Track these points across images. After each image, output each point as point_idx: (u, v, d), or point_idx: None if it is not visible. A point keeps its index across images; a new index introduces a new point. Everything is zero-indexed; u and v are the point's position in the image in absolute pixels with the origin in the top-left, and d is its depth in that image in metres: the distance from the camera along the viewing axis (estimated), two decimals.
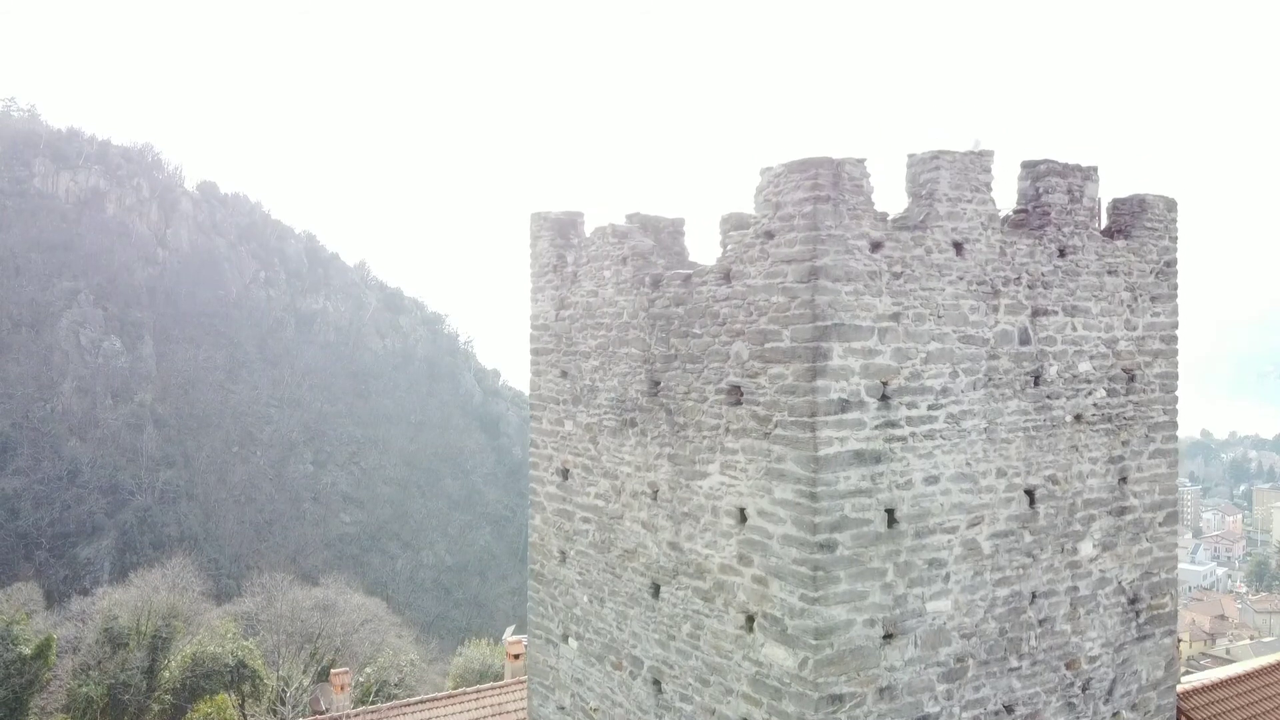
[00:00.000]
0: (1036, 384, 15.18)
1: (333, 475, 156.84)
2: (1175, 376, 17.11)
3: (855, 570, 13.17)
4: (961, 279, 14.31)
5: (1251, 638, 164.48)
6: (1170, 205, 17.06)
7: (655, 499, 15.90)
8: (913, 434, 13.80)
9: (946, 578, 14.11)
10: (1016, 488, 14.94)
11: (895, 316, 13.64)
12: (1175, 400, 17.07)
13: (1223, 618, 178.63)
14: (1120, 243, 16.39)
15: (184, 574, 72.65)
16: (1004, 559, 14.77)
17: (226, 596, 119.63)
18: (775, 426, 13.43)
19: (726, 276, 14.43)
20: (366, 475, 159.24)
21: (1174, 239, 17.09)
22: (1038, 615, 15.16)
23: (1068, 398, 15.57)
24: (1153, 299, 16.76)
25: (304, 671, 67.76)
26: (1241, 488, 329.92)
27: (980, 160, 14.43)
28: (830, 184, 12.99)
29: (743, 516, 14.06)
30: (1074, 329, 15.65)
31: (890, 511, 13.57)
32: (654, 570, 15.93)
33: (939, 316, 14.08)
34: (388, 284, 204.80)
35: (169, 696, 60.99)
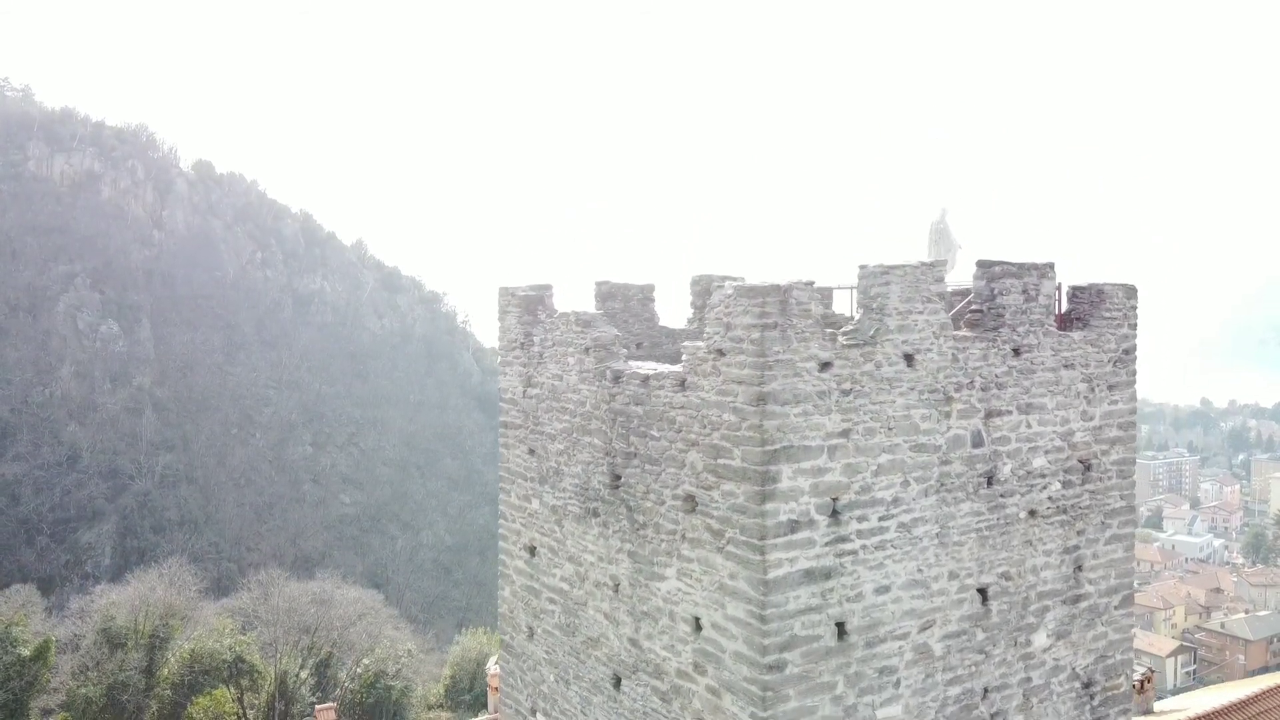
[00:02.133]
0: (990, 484, 15.40)
1: (332, 457, 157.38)
2: (1132, 461, 17.30)
3: (805, 687, 13.45)
4: (913, 389, 14.49)
5: (1246, 611, 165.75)
6: (1130, 293, 17.20)
7: (617, 593, 16.17)
8: (864, 546, 14.04)
9: (897, 684, 14.39)
10: (969, 588, 15.20)
11: (845, 433, 13.83)
12: (1132, 485, 17.27)
13: (1218, 590, 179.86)
14: (1078, 334, 16.55)
15: (181, 572, 73.19)
16: (956, 659, 15.05)
17: (227, 579, 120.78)
18: (728, 543, 13.66)
19: (683, 385, 14.59)
20: (366, 456, 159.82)
21: (1133, 326, 17.24)
22: (990, 710, 15.47)
23: (1022, 494, 15.79)
24: (1110, 387, 16.94)
25: (301, 665, 68.56)
26: (1240, 457, 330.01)
27: (932, 271, 14.56)
28: (778, 310, 13.13)
29: (698, 625, 14.32)
30: (1028, 426, 15.84)
31: (841, 625, 13.83)
32: (615, 662, 16.23)
33: (890, 428, 14.27)
34: (385, 263, 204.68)
35: (168, 693, 61.72)
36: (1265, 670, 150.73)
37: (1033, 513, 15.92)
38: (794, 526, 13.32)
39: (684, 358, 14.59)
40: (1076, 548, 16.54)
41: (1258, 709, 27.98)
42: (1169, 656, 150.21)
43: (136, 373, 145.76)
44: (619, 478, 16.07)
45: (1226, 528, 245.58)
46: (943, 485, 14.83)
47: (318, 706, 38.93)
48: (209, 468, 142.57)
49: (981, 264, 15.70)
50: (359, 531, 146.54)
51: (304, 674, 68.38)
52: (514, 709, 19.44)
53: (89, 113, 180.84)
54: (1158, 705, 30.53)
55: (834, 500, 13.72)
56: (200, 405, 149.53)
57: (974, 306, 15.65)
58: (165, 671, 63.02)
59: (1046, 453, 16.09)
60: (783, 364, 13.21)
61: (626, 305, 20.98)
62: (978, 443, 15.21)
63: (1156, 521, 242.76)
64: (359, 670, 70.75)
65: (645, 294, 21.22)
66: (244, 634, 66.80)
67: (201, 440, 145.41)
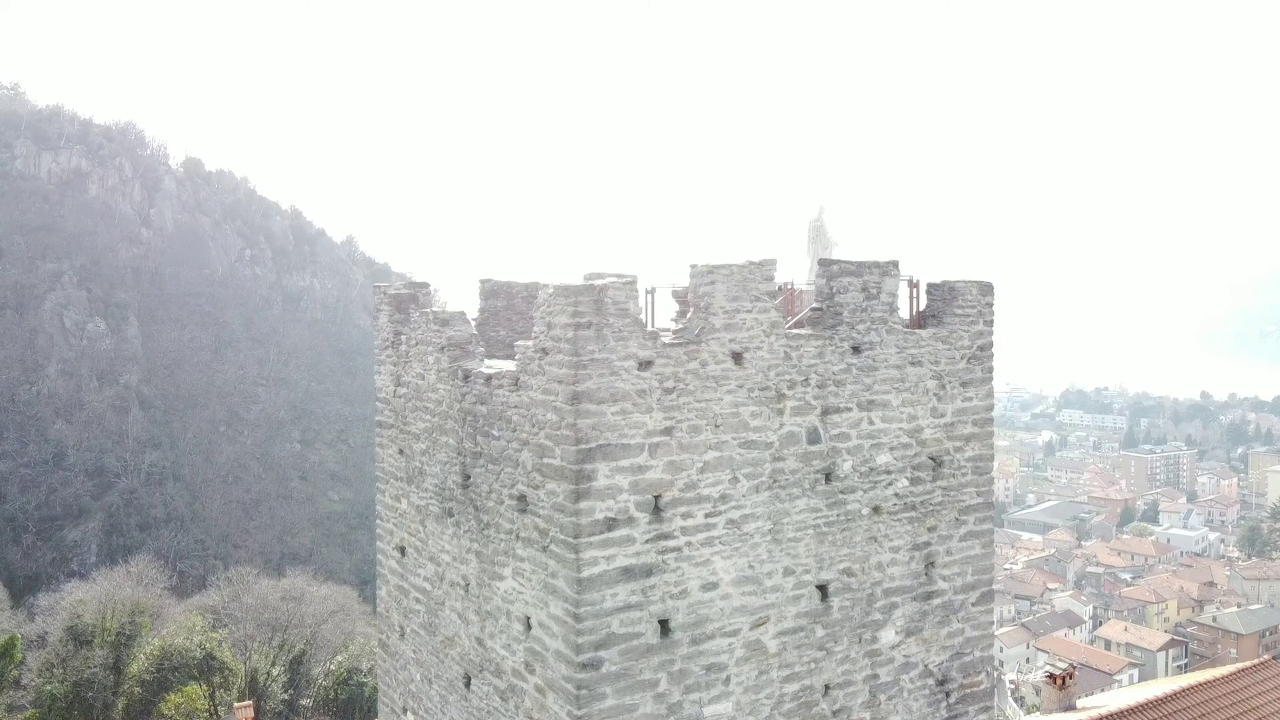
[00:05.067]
0: (828, 481, 15.44)
1: (320, 454, 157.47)
2: (989, 458, 17.34)
3: (623, 685, 13.50)
4: (741, 387, 14.52)
5: (1239, 605, 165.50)
6: (985, 290, 17.21)
7: (467, 592, 16.25)
8: (689, 543, 14.08)
9: (727, 680, 14.44)
10: (807, 584, 15.24)
11: (668, 431, 13.87)
12: (989, 482, 17.31)
13: (1211, 584, 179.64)
14: (927, 331, 16.57)
15: (148, 570, 73.38)
16: (793, 655, 15.09)
17: (214, 577, 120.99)
18: (551, 542, 13.73)
19: (516, 384, 14.65)
20: (354, 453, 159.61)
21: (989, 322, 17.26)
22: (832, 706, 15.51)
23: (865, 490, 15.83)
24: (964, 384, 16.96)
25: (273, 662, 68.68)
26: (1239, 450, 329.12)
27: (760, 270, 14.59)
28: (592, 310, 13.18)
29: (529, 625, 14.40)
30: (870, 423, 15.87)
31: (664, 622, 13.88)
32: (466, 662, 16.31)
33: (716, 426, 14.31)
34: (375, 259, 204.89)
35: (138, 689, 61.91)
36: None
37: (877, 509, 15.95)
38: (611, 524, 13.37)
39: (517, 356, 14.65)
40: (928, 544, 16.57)
41: (1174, 706, 27.99)
42: (1160, 650, 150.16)
43: (124, 370, 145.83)
44: (469, 477, 16.14)
45: (1223, 521, 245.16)
46: (775, 482, 14.87)
47: (236, 705, 38.91)
48: (196, 465, 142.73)
49: (822, 263, 15.73)
50: (347, 528, 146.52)
51: (276, 671, 68.48)
52: (389, 708, 19.54)
53: (77, 110, 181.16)
54: (1081, 702, 30.57)
55: (656, 497, 13.77)
56: (188, 403, 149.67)
57: (814, 306, 15.69)
58: (135, 668, 63.16)
59: (892, 449, 16.12)
60: (598, 363, 13.26)
61: (510, 303, 21.03)
62: (814, 439, 15.25)
63: (1153, 515, 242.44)
64: (332, 667, 70.93)
65: (530, 292, 21.24)
66: (215, 631, 66.94)
67: (189, 438, 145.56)
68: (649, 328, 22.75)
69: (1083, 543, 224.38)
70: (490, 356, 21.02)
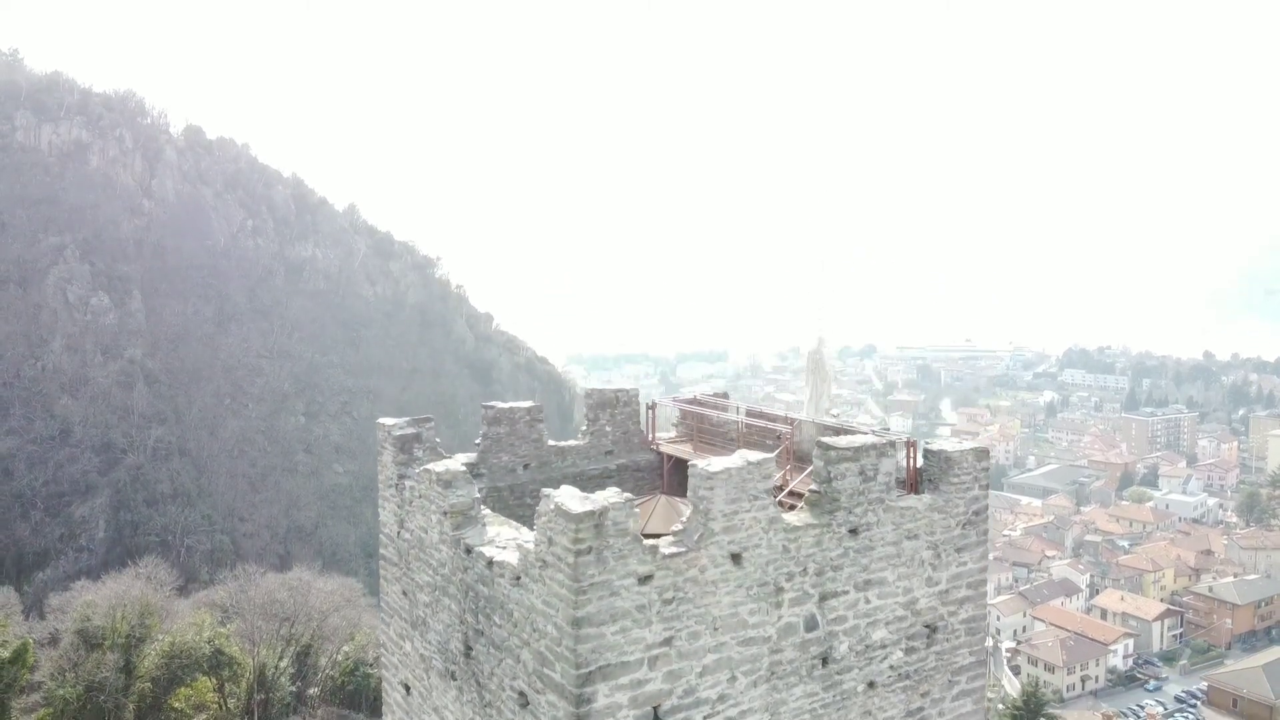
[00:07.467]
0: (825, 664, 15.73)
1: (325, 426, 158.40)
2: (983, 617, 17.62)
3: None
4: (740, 586, 14.76)
5: (1235, 575, 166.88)
6: (980, 455, 17.38)
7: None
8: None
9: None
10: None
11: (667, 641, 14.12)
12: (982, 640, 17.60)
13: (1209, 553, 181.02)
14: (923, 503, 16.76)
15: (157, 570, 74.26)
16: None
17: (221, 552, 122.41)
18: None
19: (519, 580, 14.86)
20: (359, 425, 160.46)
21: (984, 487, 17.44)
22: None
23: (860, 668, 16.13)
24: (958, 550, 17.19)
25: (280, 655, 69.75)
26: (1240, 412, 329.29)
27: (759, 469, 14.75)
28: (593, 535, 13.36)
29: None
30: (867, 602, 16.13)
31: None
32: None
33: (715, 629, 14.56)
34: (378, 228, 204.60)
35: (148, 686, 63.01)
36: (1252, 634, 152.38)
37: (872, 684, 16.27)
38: None
39: (517, 556, 14.86)
40: (921, 709, 16.92)
41: None
42: (1156, 620, 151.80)
43: (128, 345, 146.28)
44: (471, 649, 16.43)
45: (1222, 485, 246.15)
46: (774, 674, 15.17)
47: None
48: (201, 440, 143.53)
49: (821, 444, 15.89)
50: (352, 501, 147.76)
51: (283, 663, 69.53)
52: None
53: (77, 78, 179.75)
54: None
55: (655, 708, 14.06)
56: (192, 377, 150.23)
57: (813, 488, 15.88)
58: (145, 665, 64.18)
59: (888, 624, 16.40)
60: (598, 586, 13.47)
61: (513, 428, 21.24)
62: (811, 626, 15.52)
63: (1152, 479, 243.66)
64: (339, 658, 72.06)
65: (533, 415, 21.46)
66: (223, 626, 67.90)
67: (194, 412, 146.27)
68: (651, 436, 22.93)
69: (1081, 508, 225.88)
70: (493, 483, 21.31)
